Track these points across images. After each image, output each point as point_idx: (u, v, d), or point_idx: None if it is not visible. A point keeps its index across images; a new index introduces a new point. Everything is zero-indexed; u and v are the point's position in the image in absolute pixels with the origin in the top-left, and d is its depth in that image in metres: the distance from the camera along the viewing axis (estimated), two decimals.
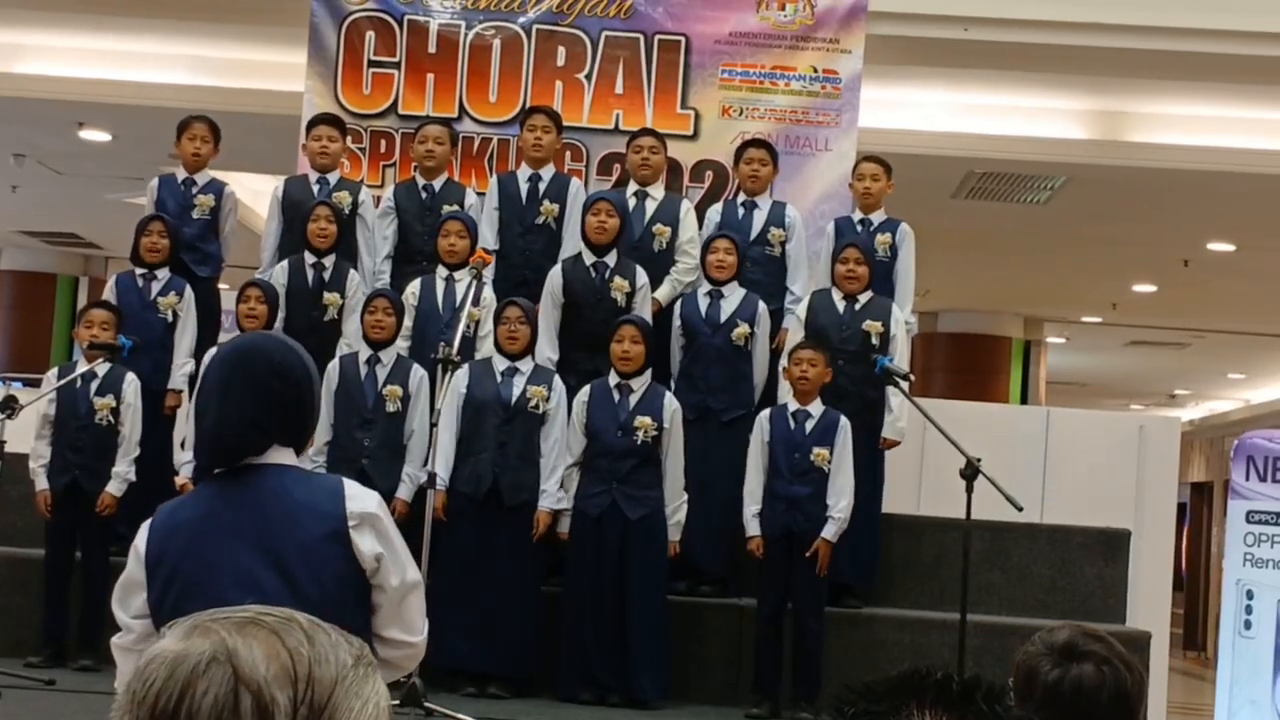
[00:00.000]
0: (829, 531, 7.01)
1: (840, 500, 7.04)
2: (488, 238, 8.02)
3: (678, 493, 7.20)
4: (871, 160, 8.21)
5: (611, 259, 7.71)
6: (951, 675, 1.28)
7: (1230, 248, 12.77)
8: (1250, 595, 7.44)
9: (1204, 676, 17.19)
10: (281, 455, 2.80)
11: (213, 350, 7.61)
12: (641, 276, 7.73)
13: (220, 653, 1.21)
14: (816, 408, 7.15)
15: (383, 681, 1.27)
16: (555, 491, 7.19)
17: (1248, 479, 7.54)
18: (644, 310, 7.64)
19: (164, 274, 7.89)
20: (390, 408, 7.30)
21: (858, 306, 7.67)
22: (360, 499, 2.78)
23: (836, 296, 7.71)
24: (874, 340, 7.56)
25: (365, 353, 7.39)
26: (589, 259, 7.73)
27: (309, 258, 7.90)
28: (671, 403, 7.25)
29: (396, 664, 2.87)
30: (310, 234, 7.86)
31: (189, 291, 7.89)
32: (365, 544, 2.74)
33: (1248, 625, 7.41)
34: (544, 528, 7.16)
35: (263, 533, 2.72)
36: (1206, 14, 8.75)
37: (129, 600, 2.79)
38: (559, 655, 7.12)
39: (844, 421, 7.13)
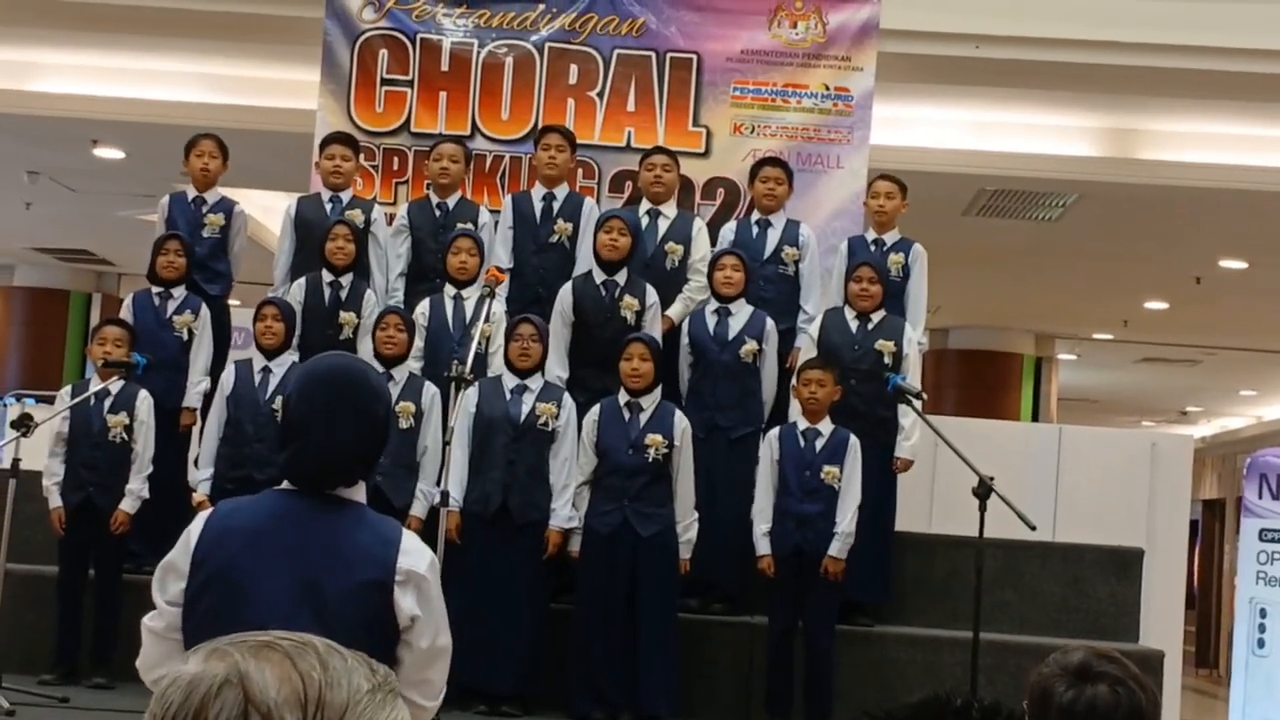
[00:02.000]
0: (835, 549, 7.00)
1: (845, 517, 7.03)
2: (501, 257, 8.03)
3: (688, 510, 7.20)
4: (886, 179, 8.18)
5: (622, 277, 7.72)
6: (972, 702, 1.28)
7: (1242, 265, 12.76)
8: (1263, 613, 7.44)
9: (1216, 695, 17.13)
10: (359, 491, 2.79)
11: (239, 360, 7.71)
12: (651, 295, 7.73)
13: (233, 675, 1.22)
14: (826, 426, 7.15)
15: (404, 709, 1.27)
16: (566, 510, 7.19)
17: (1260, 497, 7.54)
18: (654, 328, 7.64)
19: (180, 292, 7.90)
20: (403, 424, 7.29)
21: (870, 326, 7.67)
22: (413, 556, 2.74)
23: (849, 315, 7.71)
24: (886, 359, 7.56)
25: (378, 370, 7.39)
26: (599, 277, 7.73)
27: (326, 276, 7.90)
28: (681, 420, 7.25)
29: None
30: (329, 252, 7.86)
31: (205, 310, 7.89)
32: (406, 602, 2.71)
33: (1261, 644, 7.41)
34: (555, 547, 7.17)
35: (308, 565, 2.69)
36: (1218, 32, 8.76)
37: (167, 584, 2.75)
38: (570, 673, 7.12)
39: (854, 440, 7.13)
